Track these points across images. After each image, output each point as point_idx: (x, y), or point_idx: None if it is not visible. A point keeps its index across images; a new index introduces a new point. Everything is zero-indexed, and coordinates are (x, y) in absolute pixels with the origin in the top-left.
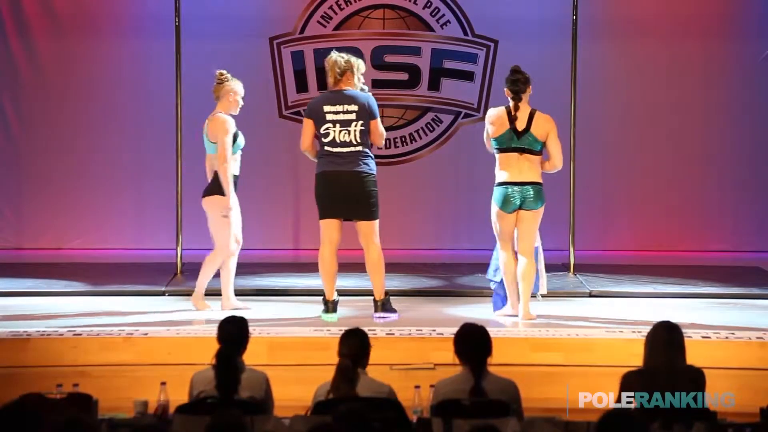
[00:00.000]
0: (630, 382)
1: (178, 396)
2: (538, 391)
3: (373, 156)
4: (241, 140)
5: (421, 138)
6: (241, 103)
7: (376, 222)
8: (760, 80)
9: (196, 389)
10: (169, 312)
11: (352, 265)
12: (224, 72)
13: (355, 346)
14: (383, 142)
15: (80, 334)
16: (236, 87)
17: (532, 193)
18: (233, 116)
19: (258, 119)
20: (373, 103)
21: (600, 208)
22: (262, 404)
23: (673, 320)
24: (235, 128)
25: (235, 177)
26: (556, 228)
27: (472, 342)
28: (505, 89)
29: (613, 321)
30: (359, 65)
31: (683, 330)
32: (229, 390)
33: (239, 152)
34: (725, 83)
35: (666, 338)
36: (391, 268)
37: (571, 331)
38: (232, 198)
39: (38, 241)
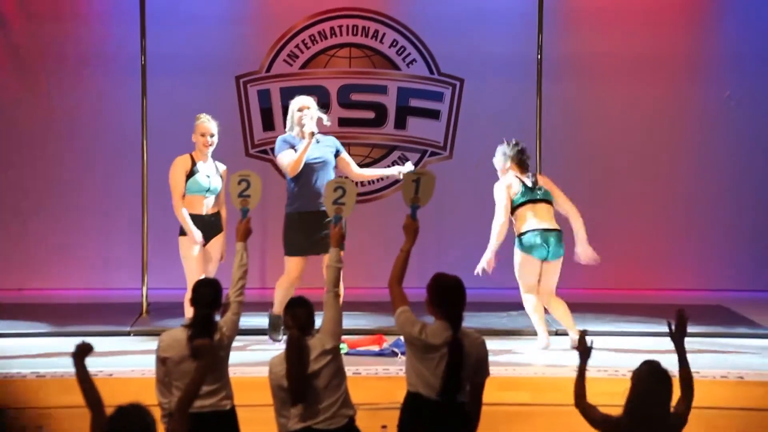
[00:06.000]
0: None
1: None
2: (505, 430)
3: None
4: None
5: (387, 177)
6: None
7: None
8: (724, 120)
9: (165, 352)
10: (135, 352)
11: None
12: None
13: (299, 316)
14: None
15: (44, 376)
16: None
17: (554, 239)
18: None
19: (225, 157)
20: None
21: None
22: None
23: (638, 358)
24: None
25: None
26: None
27: (450, 294)
28: (511, 163)
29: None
30: None
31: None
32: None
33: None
34: (689, 123)
35: (654, 388)
36: (355, 306)
37: (537, 369)
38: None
39: None
